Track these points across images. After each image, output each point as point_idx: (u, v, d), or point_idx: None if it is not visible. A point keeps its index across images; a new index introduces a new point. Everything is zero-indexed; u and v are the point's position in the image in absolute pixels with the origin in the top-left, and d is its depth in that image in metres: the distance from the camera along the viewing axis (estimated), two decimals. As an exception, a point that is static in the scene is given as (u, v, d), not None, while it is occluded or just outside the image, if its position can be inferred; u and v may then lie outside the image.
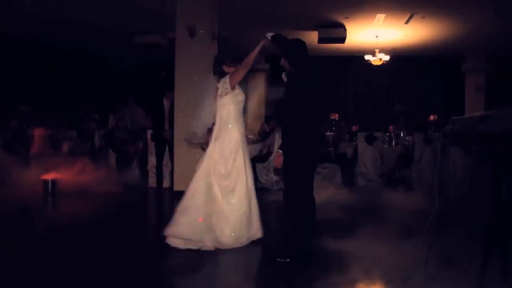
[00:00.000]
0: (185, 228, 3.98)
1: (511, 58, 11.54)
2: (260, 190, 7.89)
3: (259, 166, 8.12)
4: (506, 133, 2.37)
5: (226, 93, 4.17)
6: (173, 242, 4.04)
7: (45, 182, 7.22)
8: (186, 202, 4.06)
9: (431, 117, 10.39)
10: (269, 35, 3.96)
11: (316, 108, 3.71)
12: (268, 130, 9.03)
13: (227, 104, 4.20)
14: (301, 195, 3.68)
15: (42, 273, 3.43)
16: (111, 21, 9.39)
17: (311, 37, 9.92)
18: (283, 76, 3.91)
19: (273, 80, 12.43)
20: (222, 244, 4.04)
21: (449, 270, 2.95)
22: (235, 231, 4.05)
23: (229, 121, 4.20)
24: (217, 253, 4.15)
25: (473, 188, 6.45)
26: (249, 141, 8.65)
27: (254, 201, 4.23)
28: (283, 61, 3.89)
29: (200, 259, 4.01)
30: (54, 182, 7.26)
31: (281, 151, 3.81)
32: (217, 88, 4.23)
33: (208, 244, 4.01)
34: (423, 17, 9.08)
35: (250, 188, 4.21)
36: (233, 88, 4.17)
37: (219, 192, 4.07)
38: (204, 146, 4.43)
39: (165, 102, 7.55)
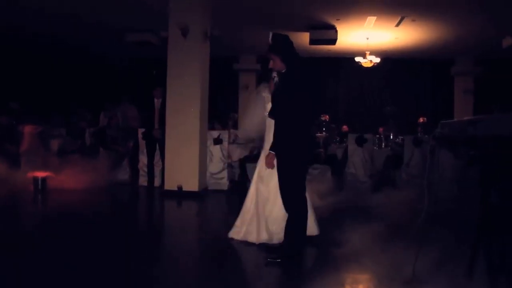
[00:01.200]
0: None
1: (499, 61, 11.68)
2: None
3: (249, 166, 8.14)
4: (494, 137, 2.42)
5: (269, 100, 4.28)
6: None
7: (35, 179, 7.18)
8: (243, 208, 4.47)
9: (421, 119, 10.49)
10: (270, 34, 3.95)
11: (309, 109, 3.75)
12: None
13: None
14: (294, 196, 3.72)
15: (37, 274, 3.42)
16: (103, 18, 9.35)
17: (303, 38, 9.97)
18: (274, 75, 3.91)
19: (264, 80, 12.47)
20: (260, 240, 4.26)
21: (438, 271, 3.00)
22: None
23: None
24: (208, 252, 4.18)
25: (461, 190, 6.54)
26: (239, 141, 8.74)
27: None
28: (272, 63, 3.86)
29: (192, 259, 4.04)
30: (44, 180, 7.22)
31: (272, 152, 3.82)
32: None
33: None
34: (413, 20, 9.17)
35: None
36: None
37: (265, 194, 4.34)
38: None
39: (156, 101, 7.55)
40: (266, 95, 4.37)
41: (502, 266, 2.48)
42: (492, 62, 11.86)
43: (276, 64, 3.84)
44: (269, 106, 4.25)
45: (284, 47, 3.83)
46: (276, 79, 3.91)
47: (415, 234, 3.16)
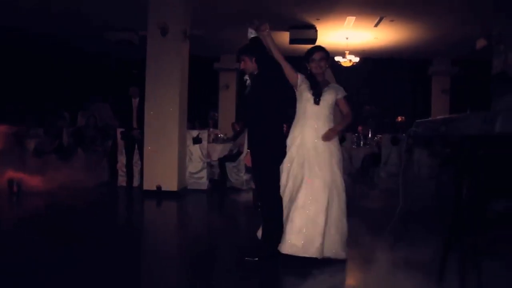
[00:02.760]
0: None
1: (474, 62, 11.88)
2: (230, 189, 7.96)
3: (229, 165, 8.16)
4: (464, 136, 2.47)
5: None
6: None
7: (10, 181, 7.02)
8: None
9: (399, 118, 10.63)
10: (251, 32, 3.91)
11: (279, 107, 3.79)
12: (238, 129, 9.06)
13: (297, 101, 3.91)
14: (269, 195, 3.74)
15: (14, 276, 3.37)
16: (82, 16, 9.23)
17: (282, 38, 10.00)
18: (246, 77, 3.93)
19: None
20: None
21: (411, 267, 3.04)
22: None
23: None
24: (189, 252, 4.16)
25: (438, 188, 6.65)
26: (219, 140, 8.73)
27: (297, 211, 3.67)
28: (243, 64, 3.87)
29: (172, 260, 4.02)
30: (20, 181, 7.07)
31: (249, 150, 3.85)
32: None
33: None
34: (392, 21, 9.28)
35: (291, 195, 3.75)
36: (294, 86, 3.88)
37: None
38: None
39: (133, 100, 7.50)
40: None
41: (473, 263, 2.53)
42: (468, 63, 12.07)
43: (248, 65, 3.85)
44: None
45: (259, 48, 3.83)
46: (248, 81, 3.92)
47: (390, 231, 3.20)
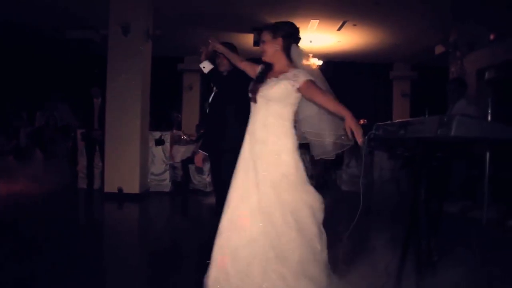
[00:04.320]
0: None
1: (432, 67, 12.28)
2: (193, 191, 7.91)
3: (192, 167, 8.09)
4: (422, 139, 2.53)
5: None
6: None
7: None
8: None
9: (361, 121, 10.82)
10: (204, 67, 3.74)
11: (244, 114, 3.80)
12: (202, 131, 9.00)
13: None
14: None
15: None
16: (42, 14, 8.96)
17: (247, 40, 10.03)
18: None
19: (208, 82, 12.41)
20: None
21: (371, 267, 3.09)
22: None
23: None
24: (145, 255, 4.10)
25: (398, 190, 6.82)
26: (182, 142, 8.65)
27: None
28: (222, 60, 3.89)
29: (133, 264, 3.96)
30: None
31: (201, 151, 3.83)
32: None
33: None
34: (354, 25, 9.45)
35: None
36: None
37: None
38: None
39: (95, 101, 7.34)
40: None
41: (429, 261, 2.60)
42: (427, 68, 12.45)
43: (226, 61, 3.89)
44: None
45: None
46: (214, 88, 3.93)
47: (350, 232, 3.24)
